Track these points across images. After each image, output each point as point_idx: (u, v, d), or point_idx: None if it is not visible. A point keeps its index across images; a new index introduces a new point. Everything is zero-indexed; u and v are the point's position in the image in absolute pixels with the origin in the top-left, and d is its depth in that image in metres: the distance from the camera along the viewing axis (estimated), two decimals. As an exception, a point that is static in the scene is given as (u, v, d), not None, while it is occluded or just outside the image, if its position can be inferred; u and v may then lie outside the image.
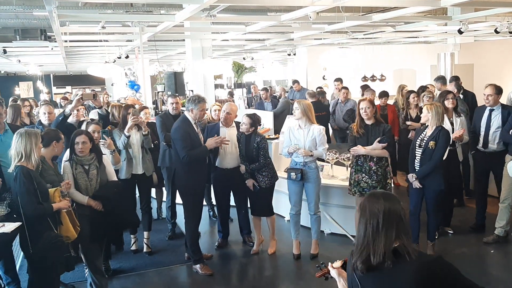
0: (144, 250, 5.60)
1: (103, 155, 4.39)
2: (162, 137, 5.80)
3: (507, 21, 8.50)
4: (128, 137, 5.22)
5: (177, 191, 5.24)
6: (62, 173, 4.13)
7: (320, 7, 5.94)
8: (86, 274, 4.48)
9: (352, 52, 13.21)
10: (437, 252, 5.05)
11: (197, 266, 5.02)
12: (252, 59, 15.49)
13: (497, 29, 8.78)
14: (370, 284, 2.07)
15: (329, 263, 2.45)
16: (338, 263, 2.41)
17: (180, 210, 6.20)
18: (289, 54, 14.09)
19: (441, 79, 7.85)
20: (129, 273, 5.10)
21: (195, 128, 4.90)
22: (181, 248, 5.54)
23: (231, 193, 5.68)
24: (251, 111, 7.03)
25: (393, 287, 2.00)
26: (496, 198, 5.79)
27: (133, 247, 5.64)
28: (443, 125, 5.00)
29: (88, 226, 4.07)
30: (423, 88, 7.64)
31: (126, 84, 14.21)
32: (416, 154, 4.97)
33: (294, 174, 5.06)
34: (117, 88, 20.72)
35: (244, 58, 16.02)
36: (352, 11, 7.52)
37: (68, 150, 4.26)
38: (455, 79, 7.33)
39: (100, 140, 4.83)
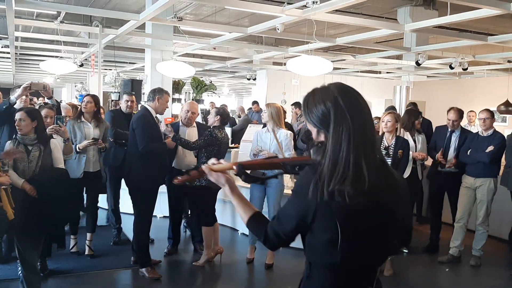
0: (86, 252, 5.13)
1: (52, 139, 4.02)
2: (111, 133, 5.40)
3: (461, 58, 8.88)
4: (79, 152, 4.86)
5: (128, 189, 4.84)
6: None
7: (289, 17, 5.91)
8: (20, 272, 4.00)
9: (311, 78, 13.44)
10: (394, 268, 4.95)
11: (144, 270, 4.63)
12: (211, 82, 15.36)
13: (452, 65, 9.15)
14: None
15: (204, 165, 1.81)
16: (222, 165, 1.80)
17: (125, 216, 5.82)
18: (248, 79, 14.08)
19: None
20: (67, 274, 4.63)
21: (156, 122, 4.66)
22: (127, 253, 5.10)
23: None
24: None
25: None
26: (449, 225, 5.81)
27: (74, 249, 5.16)
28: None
29: (21, 213, 3.62)
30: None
31: (76, 98, 13.69)
32: None
33: (255, 177, 4.85)
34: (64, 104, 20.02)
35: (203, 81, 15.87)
36: (317, 34, 7.59)
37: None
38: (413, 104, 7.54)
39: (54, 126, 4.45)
